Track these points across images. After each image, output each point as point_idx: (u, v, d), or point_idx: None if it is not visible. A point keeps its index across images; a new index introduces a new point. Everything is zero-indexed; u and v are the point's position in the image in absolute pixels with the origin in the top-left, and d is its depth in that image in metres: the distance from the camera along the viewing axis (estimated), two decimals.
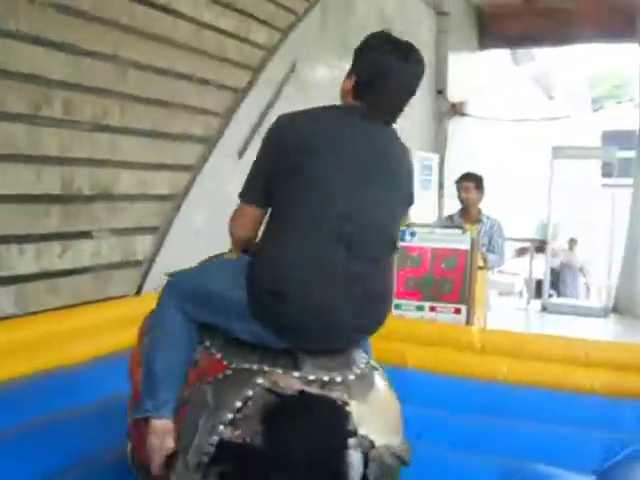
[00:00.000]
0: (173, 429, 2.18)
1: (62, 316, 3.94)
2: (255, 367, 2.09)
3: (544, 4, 11.26)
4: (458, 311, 4.93)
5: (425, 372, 4.07)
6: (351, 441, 2.00)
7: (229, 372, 2.12)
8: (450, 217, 6.03)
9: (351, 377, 2.11)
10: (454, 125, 11.03)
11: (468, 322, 4.88)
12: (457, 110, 10.94)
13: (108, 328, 4.00)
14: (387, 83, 2.26)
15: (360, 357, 2.24)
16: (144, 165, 4.63)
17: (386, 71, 2.25)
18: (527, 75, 16.85)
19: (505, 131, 13.56)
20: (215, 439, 2.00)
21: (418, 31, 10.19)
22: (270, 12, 5.84)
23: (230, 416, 2.00)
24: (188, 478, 2.06)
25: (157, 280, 4.58)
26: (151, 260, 4.76)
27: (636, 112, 9.87)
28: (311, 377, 2.06)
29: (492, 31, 12.34)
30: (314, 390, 2.04)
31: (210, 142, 5.28)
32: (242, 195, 2.32)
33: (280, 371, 2.07)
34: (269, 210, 2.23)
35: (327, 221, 2.10)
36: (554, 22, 11.51)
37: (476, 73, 12.34)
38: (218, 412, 2.03)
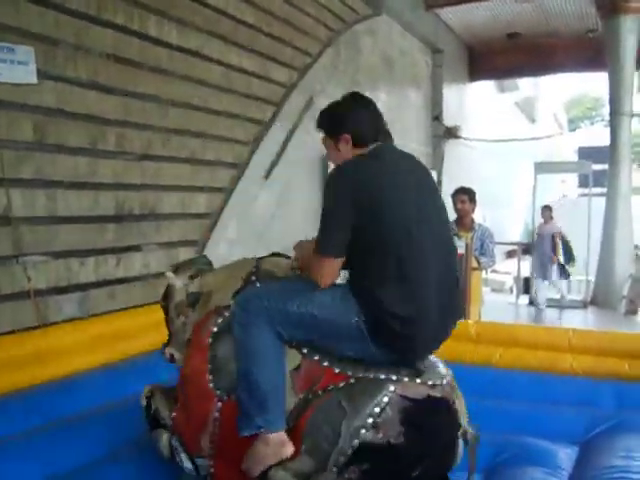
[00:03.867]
0: (289, 437, 2.09)
1: (118, 317, 3.98)
2: (382, 376, 2.07)
3: (525, 40, 11.27)
4: None
5: None
6: (459, 433, 2.15)
7: (352, 381, 2.08)
8: None
9: (448, 378, 2.18)
10: (449, 146, 11.04)
11: (465, 317, 4.86)
12: (451, 133, 10.94)
13: (155, 328, 4.02)
14: (372, 121, 2.29)
15: (434, 360, 2.28)
16: (184, 188, 4.68)
17: (365, 114, 2.29)
18: (512, 101, 16.81)
19: (493, 150, 13.53)
20: (356, 442, 1.99)
21: (417, 67, 10.22)
22: (289, 54, 5.89)
23: (371, 420, 2.00)
24: (325, 478, 2.03)
25: None
26: None
27: (607, 131, 9.81)
28: (430, 382, 2.10)
29: (481, 64, 12.37)
30: (437, 394, 2.10)
31: (240, 167, 5.32)
32: (325, 249, 2.08)
33: (406, 379, 2.08)
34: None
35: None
36: (535, 55, 11.54)
37: (467, 101, 12.35)
38: (357, 417, 2.00)
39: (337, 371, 2.12)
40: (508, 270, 11.93)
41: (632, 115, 9.36)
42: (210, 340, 2.32)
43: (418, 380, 2.09)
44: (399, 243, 2.03)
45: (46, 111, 3.52)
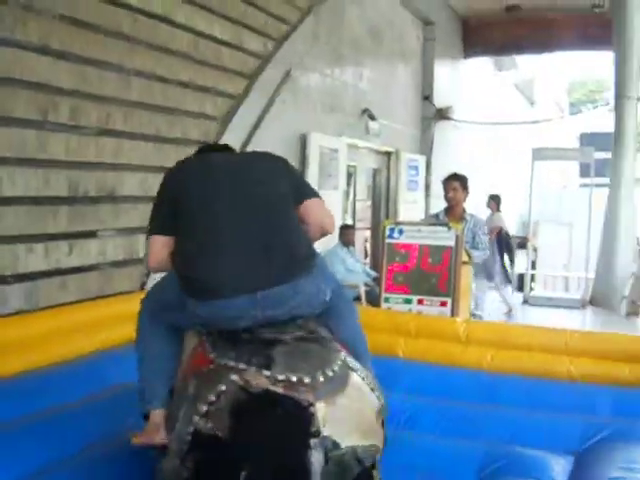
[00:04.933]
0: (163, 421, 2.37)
1: (70, 311, 3.94)
2: (232, 363, 2.12)
3: (526, 14, 11.28)
4: (444, 304, 4.93)
5: (414, 362, 4.08)
6: (313, 441, 2.01)
7: (212, 366, 2.17)
8: (436, 215, 6.03)
9: (321, 379, 2.09)
10: (440, 129, 11.05)
11: (453, 314, 4.89)
12: (443, 115, 10.97)
13: (114, 322, 3.99)
14: None
15: (337, 358, 2.21)
16: (146, 168, 4.63)
17: None
18: (509, 82, 16.87)
19: (488, 134, 13.58)
20: (191, 429, 2.07)
21: (406, 40, 10.21)
22: (264, 21, 5.84)
23: (205, 408, 2.06)
24: (171, 464, 2.15)
25: (159, 278, 4.61)
26: None
27: (611, 115, 9.88)
28: (280, 377, 2.07)
29: (476, 40, 12.37)
30: (279, 390, 2.05)
31: None
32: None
33: (253, 369, 2.08)
34: None
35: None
36: (535, 31, 11.56)
37: (461, 80, 12.36)
38: (195, 403, 2.09)
39: (211, 357, 2.22)
40: None
41: (639, 99, 9.43)
42: None
43: (267, 372, 2.08)
44: (197, 219, 2.42)
45: None
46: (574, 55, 19.42)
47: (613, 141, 9.48)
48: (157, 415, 2.42)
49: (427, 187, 10.72)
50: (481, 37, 12.33)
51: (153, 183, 4.67)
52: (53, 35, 3.78)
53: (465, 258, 5.22)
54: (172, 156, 4.82)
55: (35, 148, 3.75)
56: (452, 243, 4.98)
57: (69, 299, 4.01)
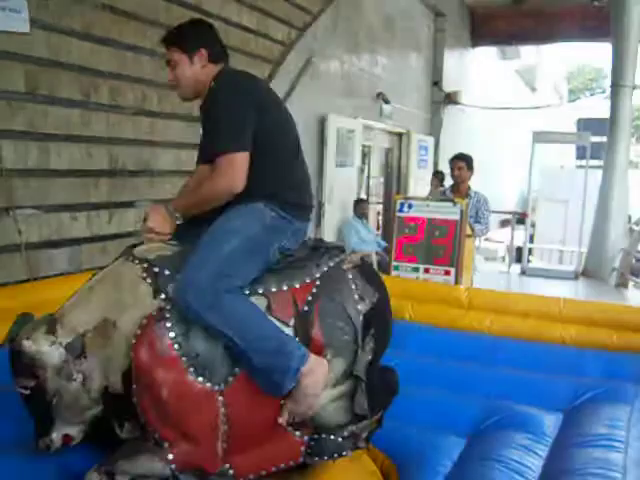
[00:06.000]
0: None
1: None
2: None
3: (530, 6, 11.10)
4: (448, 273, 4.93)
5: (420, 324, 4.09)
6: None
7: (318, 281, 2.22)
8: (443, 192, 6.00)
9: None
10: (448, 112, 10.95)
11: (457, 282, 4.88)
12: (451, 99, 10.86)
13: None
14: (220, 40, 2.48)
15: None
16: (179, 144, 4.63)
17: (216, 32, 2.47)
18: (513, 69, 16.65)
19: (493, 118, 13.44)
20: (361, 317, 2.24)
21: (418, 30, 10.08)
22: (288, 11, 5.78)
23: (357, 296, 2.27)
24: (362, 358, 2.21)
25: None
26: None
27: (607, 102, 9.73)
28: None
29: (483, 30, 12.20)
30: None
31: None
32: (236, 145, 2.18)
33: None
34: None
35: None
36: (539, 22, 11.38)
37: (468, 67, 12.22)
38: (351, 296, 2.25)
39: (298, 285, 2.15)
40: (501, 239, 11.96)
41: (634, 87, 9.27)
42: (176, 346, 1.99)
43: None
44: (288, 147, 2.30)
45: (38, 61, 3.45)
46: (574, 45, 19.08)
47: (608, 126, 9.35)
48: (311, 357, 2.06)
49: (435, 165, 10.65)
50: (488, 28, 12.14)
51: (185, 159, 4.69)
52: (95, 23, 3.77)
53: (468, 231, 5.21)
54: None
55: (79, 125, 3.76)
56: (457, 217, 4.96)
57: (109, 262, 4.03)
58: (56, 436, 2.08)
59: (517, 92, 17.19)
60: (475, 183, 5.79)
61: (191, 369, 1.99)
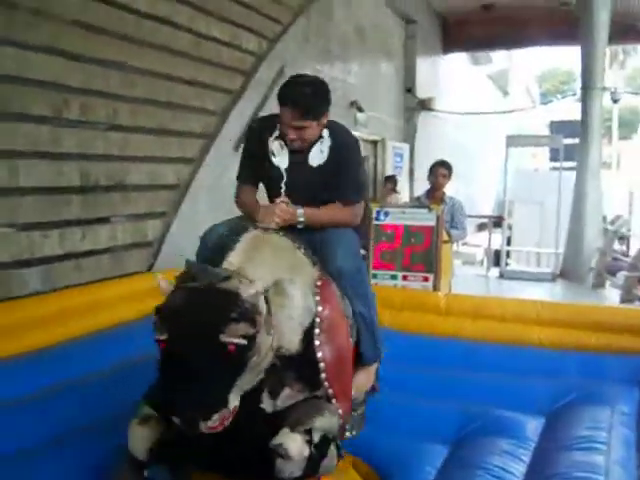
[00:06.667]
0: None
1: (84, 291, 3.91)
2: None
3: (500, 12, 11.21)
4: (427, 279, 4.94)
5: (398, 332, 4.08)
6: None
7: None
8: (418, 198, 6.02)
9: None
10: (422, 119, 11.01)
11: (435, 288, 4.89)
12: (424, 106, 10.90)
13: (125, 300, 3.97)
14: None
15: None
16: (152, 159, 4.58)
17: None
18: (485, 74, 16.80)
19: (466, 123, 13.53)
20: None
21: (389, 38, 10.13)
22: (259, 22, 5.77)
23: None
24: None
25: (166, 259, 4.59)
26: (160, 241, 4.72)
27: (578, 105, 9.86)
28: None
29: (455, 36, 12.30)
30: None
31: (209, 138, 5.23)
32: (360, 196, 2.73)
33: None
34: None
35: None
36: (509, 28, 11.50)
37: (441, 73, 12.30)
38: None
39: None
40: (478, 243, 12.02)
41: (603, 89, 9.40)
42: (342, 307, 2.34)
43: None
44: None
45: (6, 78, 3.40)
46: (545, 49, 19.31)
47: (580, 128, 9.46)
48: None
49: (411, 172, 10.69)
50: (459, 34, 12.24)
51: (161, 173, 4.65)
52: (64, 38, 3.73)
53: (445, 237, 5.22)
54: (175, 148, 4.79)
55: (49, 142, 3.71)
56: (433, 223, 4.97)
57: (82, 280, 3.98)
58: (226, 410, 1.76)
59: (489, 96, 17.35)
60: (450, 188, 5.81)
61: (349, 329, 2.34)
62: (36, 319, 3.43)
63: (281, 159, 2.51)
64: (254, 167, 2.61)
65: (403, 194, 8.78)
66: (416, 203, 5.81)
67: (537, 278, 9.51)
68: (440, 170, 5.57)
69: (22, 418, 2.74)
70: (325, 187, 2.53)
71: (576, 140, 9.92)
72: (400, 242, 5.02)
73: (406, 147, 10.69)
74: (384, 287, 4.88)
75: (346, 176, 2.55)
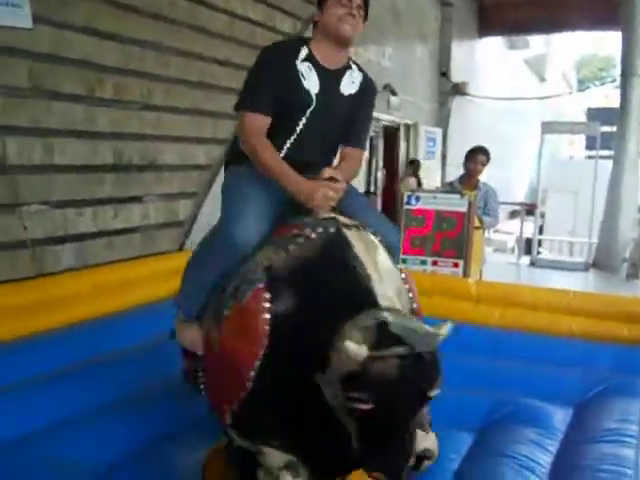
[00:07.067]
0: None
1: (116, 269, 3.96)
2: None
3: None
4: (457, 265, 4.88)
5: (427, 318, 4.05)
6: None
7: None
8: (450, 183, 5.94)
9: None
10: (456, 103, 10.88)
11: (465, 274, 4.84)
12: (459, 90, 10.77)
13: (155, 279, 4.01)
14: None
15: None
16: (185, 139, 4.60)
17: None
18: (521, 59, 16.52)
19: (501, 109, 13.34)
20: None
21: (425, 20, 10.01)
22: (294, 3, 5.73)
23: None
24: None
25: (197, 238, 4.61)
26: (191, 221, 4.75)
27: (617, 92, 9.64)
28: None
29: (491, 20, 12.10)
30: None
31: None
32: None
33: None
34: None
35: None
36: (547, 11, 11.26)
37: (476, 57, 12.13)
38: None
39: None
40: (510, 230, 11.89)
41: None
42: None
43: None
44: None
45: (41, 57, 3.42)
46: (583, 34, 18.91)
47: (618, 116, 9.26)
48: None
49: (443, 157, 10.60)
50: (496, 17, 12.04)
51: (192, 153, 4.67)
52: (98, 17, 3.75)
53: (477, 223, 5.16)
54: (207, 128, 4.80)
55: (83, 121, 3.74)
56: (465, 209, 4.91)
57: (114, 258, 4.02)
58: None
59: (526, 82, 17.07)
60: (484, 174, 5.73)
61: None
62: (69, 296, 3.49)
63: (311, 83, 2.21)
64: (271, 93, 2.18)
65: (436, 179, 8.70)
66: (447, 189, 5.74)
67: (569, 267, 9.37)
68: (479, 157, 5.46)
69: (59, 389, 2.80)
70: (351, 121, 2.29)
71: (613, 128, 9.72)
72: (431, 227, 4.98)
73: (439, 132, 10.59)
74: (414, 272, 4.84)
75: (366, 119, 2.38)
